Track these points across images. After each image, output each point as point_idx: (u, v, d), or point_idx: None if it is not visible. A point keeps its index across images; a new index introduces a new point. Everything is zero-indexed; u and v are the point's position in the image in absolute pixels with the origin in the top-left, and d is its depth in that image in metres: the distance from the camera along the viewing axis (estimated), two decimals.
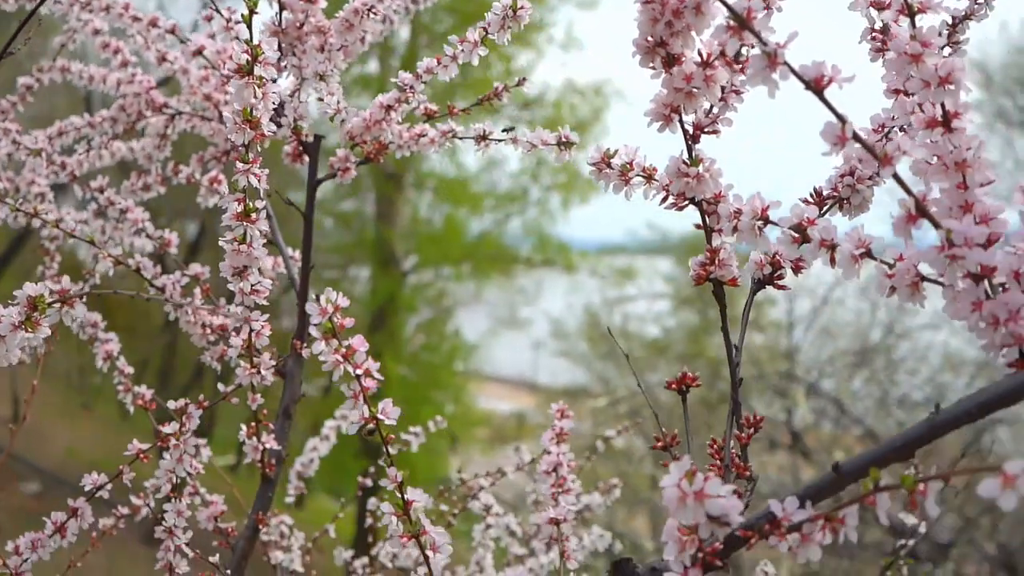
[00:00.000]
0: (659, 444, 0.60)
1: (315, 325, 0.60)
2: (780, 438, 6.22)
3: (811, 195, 0.67)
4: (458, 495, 1.32)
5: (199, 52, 1.03)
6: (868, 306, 7.29)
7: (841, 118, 0.50)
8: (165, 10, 6.66)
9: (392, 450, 0.62)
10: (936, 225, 0.50)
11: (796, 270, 0.66)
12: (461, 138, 0.96)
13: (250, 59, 0.67)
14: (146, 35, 1.10)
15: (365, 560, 1.33)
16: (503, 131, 0.95)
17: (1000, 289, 0.51)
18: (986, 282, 0.51)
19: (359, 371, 0.61)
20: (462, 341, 11.61)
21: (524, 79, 0.98)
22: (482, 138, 0.94)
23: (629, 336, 10.00)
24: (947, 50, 0.70)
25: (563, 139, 0.81)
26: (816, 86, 0.50)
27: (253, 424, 0.94)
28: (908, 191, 0.51)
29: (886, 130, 0.67)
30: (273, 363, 0.89)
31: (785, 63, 0.49)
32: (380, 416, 0.62)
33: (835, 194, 0.67)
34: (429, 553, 0.63)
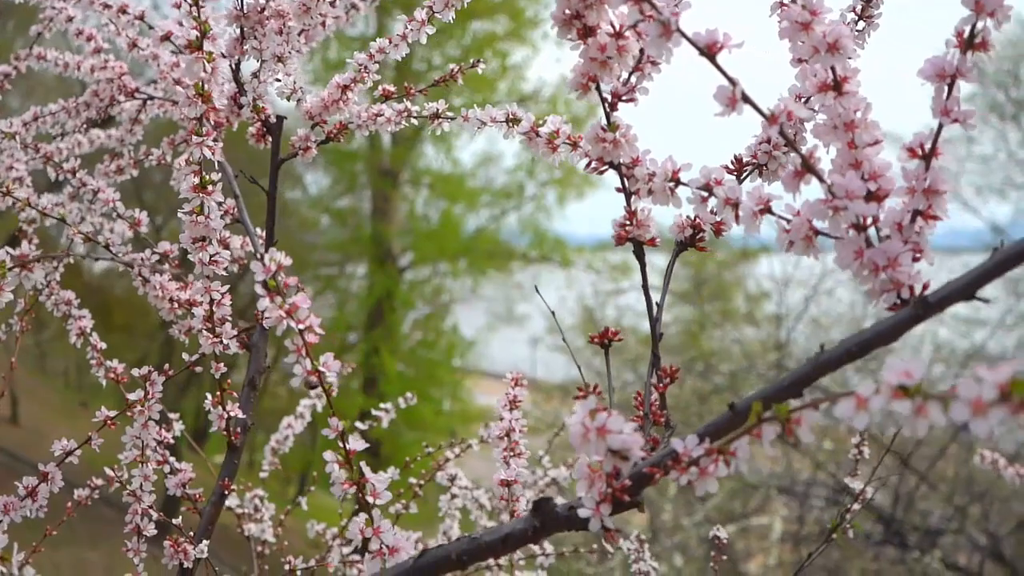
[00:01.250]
0: (581, 395, 0.64)
1: (259, 282, 0.64)
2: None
3: (731, 161, 0.71)
4: (425, 467, 1.36)
5: (167, 38, 1.07)
6: (860, 298, 7.34)
7: (732, 81, 0.54)
8: (159, 8, 6.68)
9: (327, 401, 0.66)
10: (820, 180, 0.54)
11: (717, 232, 0.70)
12: (416, 117, 1.00)
13: (199, 35, 0.71)
14: (117, 22, 1.14)
15: (335, 531, 1.38)
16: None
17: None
18: (873, 232, 0.56)
19: (302, 326, 0.65)
20: (459, 337, 11.65)
21: (479, 61, 1.01)
22: (435, 116, 0.98)
23: (624, 330, 10.01)
24: (861, 23, 0.74)
25: (511, 116, 0.85)
26: (709, 52, 0.54)
27: (218, 393, 0.98)
28: (795, 149, 0.55)
29: (803, 99, 0.71)
30: (235, 333, 0.93)
31: (678, 30, 0.53)
32: (322, 369, 0.66)
33: (754, 160, 0.71)
34: (370, 499, 0.67)
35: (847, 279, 6.80)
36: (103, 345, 1.15)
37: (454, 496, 1.31)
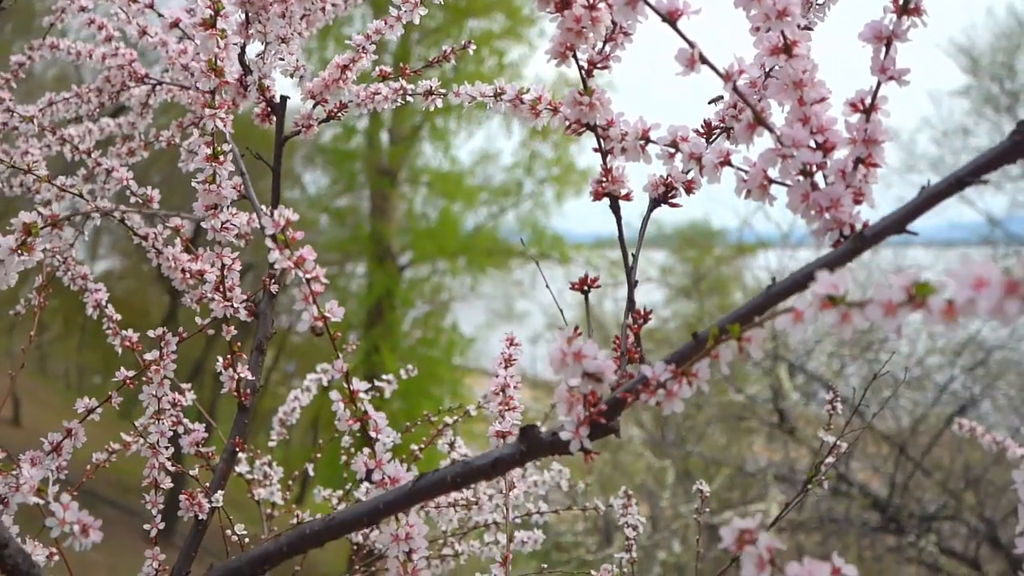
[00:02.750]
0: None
1: (269, 236, 0.70)
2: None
3: (701, 125, 0.78)
4: (425, 434, 1.43)
5: (175, 24, 1.13)
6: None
7: (691, 44, 0.60)
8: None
9: (332, 344, 0.73)
10: (771, 131, 0.61)
11: (688, 190, 0.77)
12: (411, 94, 1.06)
13: (213, 13, 0.77)
14: (127, 11, 1.20)
15: (340, 493, 1.44)
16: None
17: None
18: (820, 178, 0.62)
19: (309, 276, 0.71)
20: (459, 335, 11.71)
21: (469, 42, 1.08)
22: (429, 93, 1.04)
23: (622, 324, 10.07)
24: None
25: (498, 91, 0.91)
26: (671, 18, 0.60)
27: (229, 356, 1.05)
28: (748, 104, 0.61)
29: (767, 68, 0.78)
30: (244, 297, 1.00)
31: (644, 1, 0.60)
32: (328, 314, 0.72)
33: (722, 124, 0.77)
34: (372, 434, 0.74)
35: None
36: (118, 317, 1.21)
37: (454, 461, 1.36)
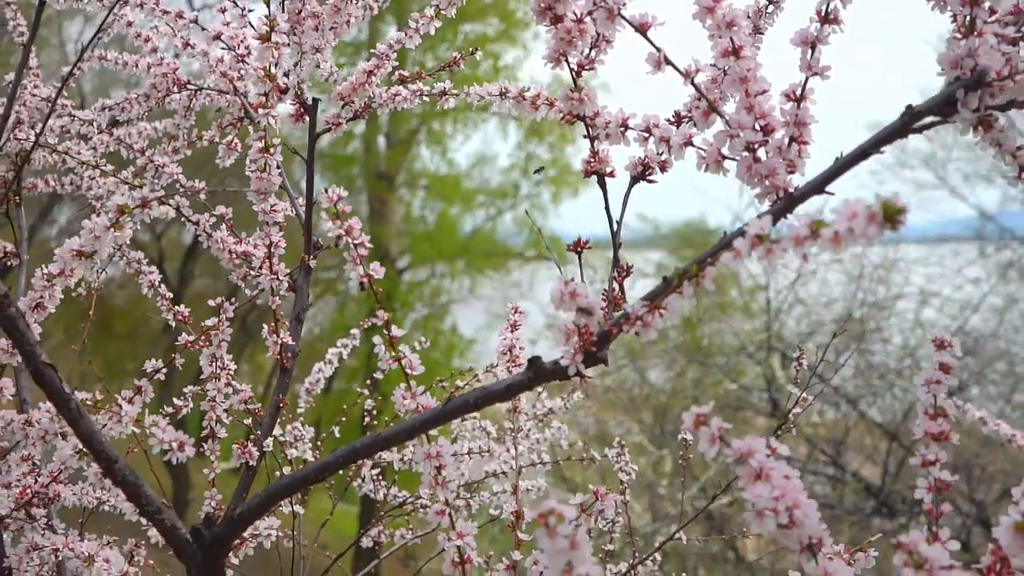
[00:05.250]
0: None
1: (324, 209, 0.87)
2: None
3: (673, 115, 0.94)
4: (438, 397, 1.59)
5: (217, 37, 1.30)
6: (852, 284, 7.61)
7: (658, 49, 0.77)
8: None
9: (375, 298, 0.89)
10: (722, 117, 0.77)
11: (662, 169, 0.93)
12: (426, 95, 1.23)
13: (269, 28, 0.93)
14: (173, 25, 1.37)
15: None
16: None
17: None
18: (762, 153, 0.79)
19: (356, 241, 0.88)
20: (459, 337, 11.86)
21: (476, 49, 1.25)
22: (443, 93, 1.21)
23: None
24: (771, 7, 0.97)
25: (503, 90, 1.07)
26: (642, 29, 0.77)
27: (273, 323, 1.21)
28: (703, 96, 0.78)
29: (722, 67, 0.94)
30: (288, 271, 1.16)
31: (620, 15, 0.76)
32: (372, 273, 0.89)
33: (689, 114, 0.94)
34: (408, 371, 0.90)
35: (827, 262, 7.05)
36: (170, 295, 1.38)
37: (464, 419, 1.54)
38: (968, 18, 0.69)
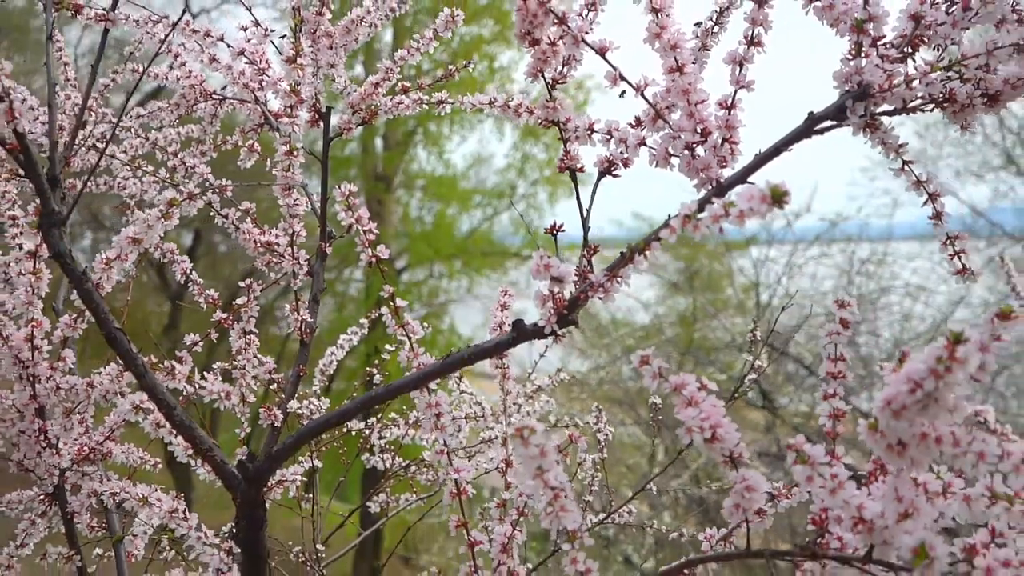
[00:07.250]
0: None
1: (338, 202, 1.05)
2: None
3: (634, 119, 1.12)
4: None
5: (241, 52, 1.48)
6: (843, 277, 7.81)
7: (614, 67, 0.95)
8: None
9: (383, 277, 1.07)
10: (666, 122, 0.96)
11: (625, 165, 1.11)
12: (427, 104, 1.41)
13: (295, 52, 1.11)
14: (201, 42, 1.55)
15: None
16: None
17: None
18: (700, 150, 0.97)
19: (366, 228, 1.06)
20: (457, 337, 12.02)
21: (468, 62, 1.43)
22: (441, 102, 1.39)
23: (619, 323, 10.42)
24: (716, 28, 1.15)
25: (492, 100, 1.25)
26: (601, 52, 0.95)
27: (294, 303, 1.39)
28: (651, 105, 0.96)
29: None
30: (307, 257, 1.34)
31: (583, 40, 0.94)
32: (379, 254, 1.07)
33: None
34: (411, 334, 1.08)
35: (815, 256, 7.24)
36: (201, 281, 1.56)
37: (463, 391, 1.72)
38: (855, 43, 0.88)
